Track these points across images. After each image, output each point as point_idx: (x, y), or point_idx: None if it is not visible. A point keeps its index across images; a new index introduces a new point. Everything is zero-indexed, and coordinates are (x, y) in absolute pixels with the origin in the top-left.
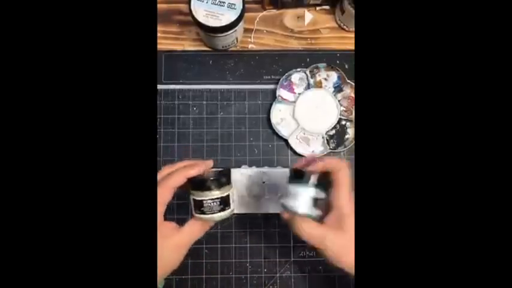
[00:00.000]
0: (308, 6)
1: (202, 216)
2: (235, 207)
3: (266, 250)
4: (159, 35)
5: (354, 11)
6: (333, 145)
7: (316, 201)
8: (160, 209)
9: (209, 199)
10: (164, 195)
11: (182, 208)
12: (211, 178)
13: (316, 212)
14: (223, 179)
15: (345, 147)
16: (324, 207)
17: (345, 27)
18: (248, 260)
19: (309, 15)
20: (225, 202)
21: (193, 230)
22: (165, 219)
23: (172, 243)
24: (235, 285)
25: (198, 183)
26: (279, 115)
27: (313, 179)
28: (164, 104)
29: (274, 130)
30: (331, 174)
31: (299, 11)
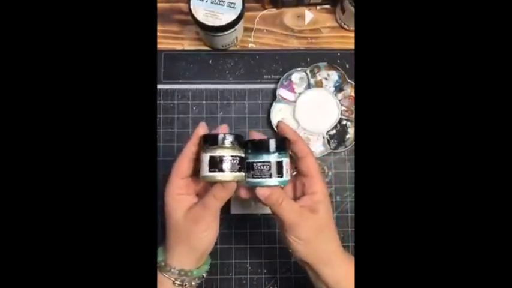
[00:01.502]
0: (308, 5)
1: (218, 174)
2: (234, 209)
3: (266, 251)
4: (158, 34)
5: (354, 10)
6: (334, 145)
7: (281, 167)
8: (177, 181)
9: (230, 156)
10: (179, 168)
11: None
12: (234, 135)
13: (281, 179)
14: (277, 142)
15: (346, 147)
16: (291, 171)
17: (345, 26)
18: (248, 261)
19: (309, 15)
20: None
21: (214, 194)
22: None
23: (194, 215)
24: (235, 286)
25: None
26: (279, 115)
27: (272, 144)
28: (164, 103)
29: (274, 130)
30: (299, 160)
31: (299, 10)
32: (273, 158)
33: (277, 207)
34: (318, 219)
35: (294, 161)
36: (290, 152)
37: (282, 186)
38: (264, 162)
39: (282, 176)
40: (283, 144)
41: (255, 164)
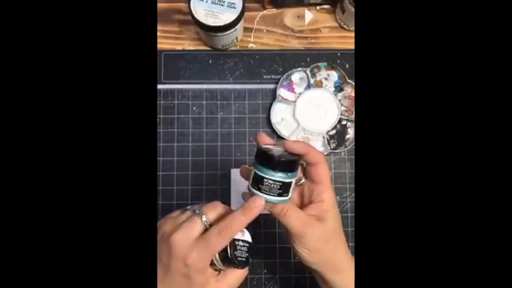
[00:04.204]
0: (308, 5)
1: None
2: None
3: (266, 251)
4: (158, 34)
5: (354, 10)
6: (334, 145)
7: (290, 187)
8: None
9: (271, 179)
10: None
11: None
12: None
13: (286, 197)
14: (292, 164)
15: (346, 147)
16: (299, 179)
17: (345, 26)
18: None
19: (309, 15)
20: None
21: (235, 278)
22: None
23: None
24: None
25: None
26: (279, 115)
27: (288, 165)
28: (164, 103)
29: (274, 130)
30: (310, 166)
31: (299, 10)
32: (286, 178)
33: (282, 216)
34: (325, 228)
35: (304, 167)
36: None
37: None
38: (275, 181)
39: (287, 195)
40: (297, 165)
41: (265, 180)
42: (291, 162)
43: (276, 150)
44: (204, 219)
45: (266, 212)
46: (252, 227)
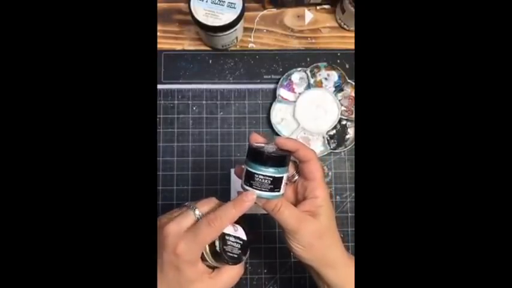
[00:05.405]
0: (308, 5)
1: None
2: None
3: (266, 251)
4: (158, 34)
5: (354, 10)
6: (334, 145)
7: (281, 182)
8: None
9: (262, 175)
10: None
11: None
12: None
13: (278, 193)
14: (282, 159)
15: (346, 147)
16: (293, 176)
17: (345, 26)
18: (248, 261)
19: (309, 15)
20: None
21: (230, 276)
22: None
23: None
24: (235, 286)
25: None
26: (279, 115)
27: (277, 160)
28: (164, 103)
29: (274, 130)
30: (302, 163)
31: (299, 10)
32: (276, 173)
33: (275, 212)
34: (319, 224)
35: (297, 164)
36: (293, 158)
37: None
38: (266, 176)
39: (279, 190)
40: (287, 160)
41: (256, 176)
42: (280, 157)
43: (267, 147)
44: (197, 212)
45: (264, 212)
46: (248, 226)
